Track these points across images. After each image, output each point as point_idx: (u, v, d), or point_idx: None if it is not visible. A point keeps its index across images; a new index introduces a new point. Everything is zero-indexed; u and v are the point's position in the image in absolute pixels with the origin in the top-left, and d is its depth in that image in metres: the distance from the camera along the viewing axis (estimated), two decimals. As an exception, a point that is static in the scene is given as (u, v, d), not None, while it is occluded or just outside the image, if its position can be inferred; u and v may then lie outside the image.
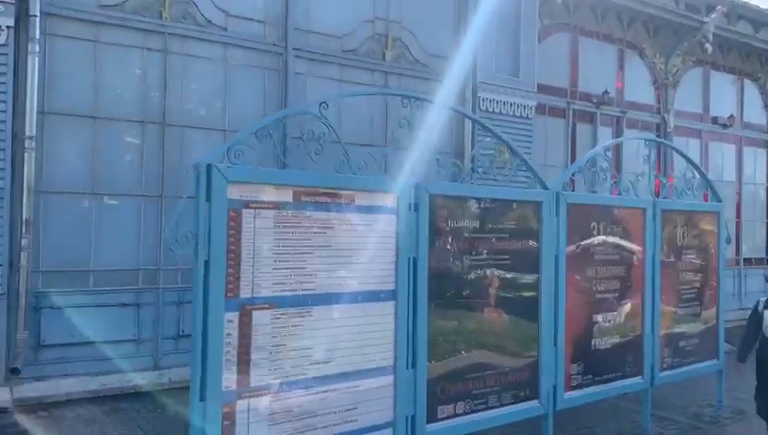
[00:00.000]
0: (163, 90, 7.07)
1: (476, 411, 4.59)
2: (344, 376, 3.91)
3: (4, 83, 6.11)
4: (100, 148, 6.65)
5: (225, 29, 7.42)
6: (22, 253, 6.21)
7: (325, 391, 3.83)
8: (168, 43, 7.09)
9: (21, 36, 6.23)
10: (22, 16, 6.22)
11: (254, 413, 3.54)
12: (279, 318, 3.63)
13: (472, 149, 8.64)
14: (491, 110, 9.36)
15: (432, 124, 4.35)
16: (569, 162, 10.61)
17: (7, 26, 6.10)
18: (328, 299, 3.84)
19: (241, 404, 3.50)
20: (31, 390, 6.09)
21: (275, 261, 3.62)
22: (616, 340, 5.67)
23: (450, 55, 9.00)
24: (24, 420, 5.71)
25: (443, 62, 8.95)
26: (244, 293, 3.51)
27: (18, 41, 6.22)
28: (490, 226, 4.73)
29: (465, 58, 9.04)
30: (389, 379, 4.13)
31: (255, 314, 3.54)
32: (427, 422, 4.30)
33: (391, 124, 7.94)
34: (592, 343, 5.50)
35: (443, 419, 4.40)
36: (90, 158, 6.63)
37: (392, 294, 4.14)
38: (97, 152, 6.65)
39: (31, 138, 6.24)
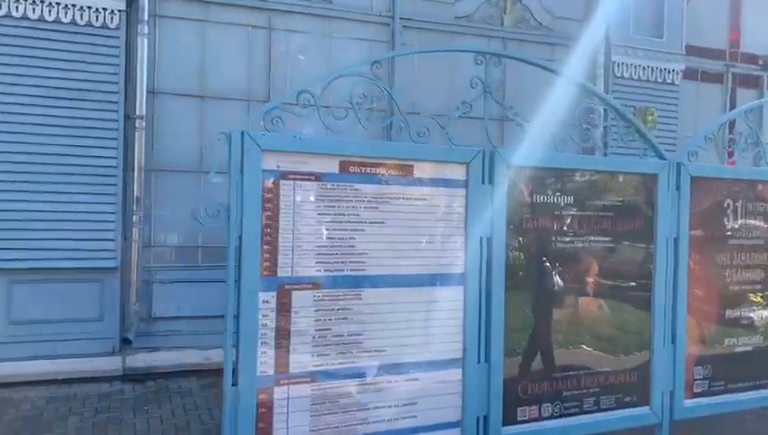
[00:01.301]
0: (267, 67, 7.02)
1: (567, 416, 3.98)
2: (400, 367, 3.51)
3: (117, 65, 6.35)
4: (207, 126, 6.74)
5: (330, 1, 7.21)
6: (133, 228, 6.47)
7: (378, 383, 3.46)
8: (273, 20, 7.02)
9: (131, 18, 6.43)
10: (132, -1, 6.43)
11: (295, 402, 3.26)
12: (322, 300, 3.31)
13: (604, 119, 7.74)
14: (627, 75, 8.38)
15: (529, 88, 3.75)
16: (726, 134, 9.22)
17: (119, 10, 6.32)
18: (380, 281, 3.45)
19: (279, 391, 3.23)
20: (141, 360, 6.35)
21: (318, 238, 3.29)
22: (758, 341, 4.71)
23: (579, 16, 8.14)
24: (132, 389, 5.95)
25: (570, 24, 8.12)
26: (283, 271, 3.22)
27: (129, 23, 6.43)
28: (588, 202, 4.06)
29: (597, 18, 8.12)
30: (457, 373, 3.66)
31: (295, 294, 3.25)
32: (504, 424, 3.78)
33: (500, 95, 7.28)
34: (725, 343, 4.60)
35: (524, 421, 3.85)
36: (197, 136, 6.75)
37: (461, 279, 3.65)
38: (204, 131, 6.75)
39: (141, 117, 6.45)
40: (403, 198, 3.49)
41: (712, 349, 4.52)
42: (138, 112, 6.45)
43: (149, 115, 6.56)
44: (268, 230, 3.17)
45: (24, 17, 6.04)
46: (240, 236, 3.10)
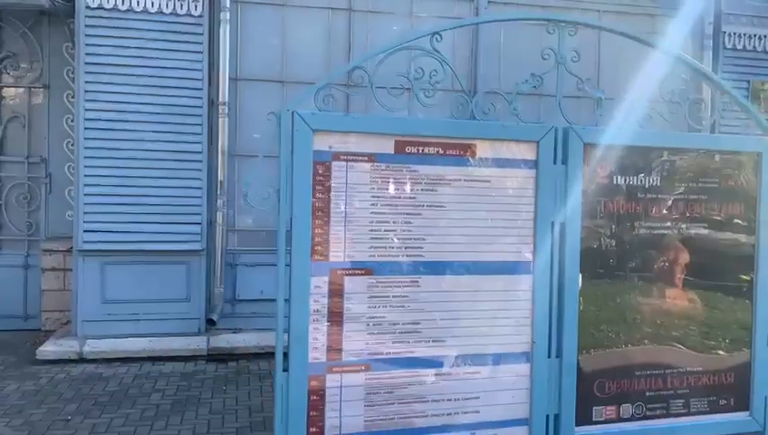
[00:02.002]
0: (347, 50, 6.94)
1: (651, 418, 3.63)
2: (462, 359, 3.30)
3: (200, 53, 6.49)
4: (288, 111, 6.74)
5: (412, -21, 7.01)
6: (218, 213, 6.62)
7: (437, 374, 3.28)
8: (353, 1, 6.92)
9: (214, 5, 6.53)
10: (214, -14, 6.53)
11: (348, 390, 3.15)
12: (377, 287, 3.16)
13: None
14: (740, 47, 7.61)
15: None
16: None
17: (202, -2, 6.44)
18: (440, 268, 3.26)
19: (331, 379, 3.13)
20: (224, 341, 6.50)
21: (372, 222, 3.14)
22: None
23: (684, -17, 7.46)
24: (214, 369, 6.11)
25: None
26: (335, 256, 3.10)
27: (212, 10, 6.53)
28: (678, 184, 3.66)
29: (705, -16, 7.42)
30: (524, 368, 3.41)
31: (348, 280, 3.12)
32: (577, 424, 3.49)
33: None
34: None
35: (600, 422, 3.54)
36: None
37: (529, 267, 3.39)
38: (285, 115, 6.76)
39: (224, 104, 6.56)
40: (464, 180, 3.27)
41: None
42: (221, 99, 6.56)
43: (232, 101, 6.66)
44: (319, 214, 3.06)
45: (115, 8, 6.28)
46: (290, 220, 3.00)
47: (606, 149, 3.46)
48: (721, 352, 3.78)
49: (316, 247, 3.06)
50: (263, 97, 6.78)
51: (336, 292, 3.11)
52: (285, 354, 3.07)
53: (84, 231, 6.31)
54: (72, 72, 6.83)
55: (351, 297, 3.13)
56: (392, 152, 3.16)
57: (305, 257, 3.03)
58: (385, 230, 3.17)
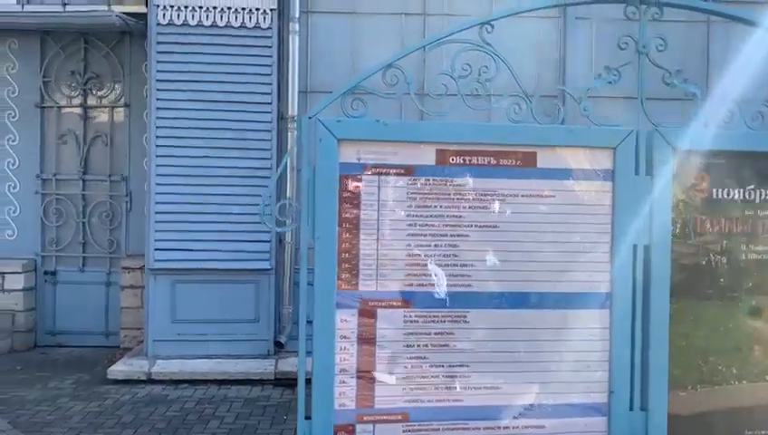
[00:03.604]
0: (422, 57, 6.50)
1: (770, 488, 2.91)
2: (520, 411, 2.76)
3: (270, 66, 6.29)
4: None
5: (492, -21, 6.49)
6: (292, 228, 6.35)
7: (489, 428, 2.75)
8: (428, 4, 6.50)
9: (283, 17, 6.33)
10: (283, -3, 6.33)
11: (382, 443, 2.68)
12: (416, 321, 2.69)
13: None
14: None
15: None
16: None
17: (271, 9, 6.25)
18: (493, 301, 2.74)
19: (362, 429, 2.68)
20: (292, 364, 6.18)
21: (410, 245, 2.68)
22: None
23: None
24: (279, 394, 5.82)
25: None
26: (366, 285, 2.66)
27: (281, 22, 6.33)
28: (798, 198, 2.93)
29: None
30: (600, 423, 2.81)
31: (381, 313, 2.67)
32: (670, 495, 2.84)
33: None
34: None
35: (699, 493, 2.87)
36: (349, 134, 6.46)
37: (605, 300, 2.80)
38: (357, 128, 6.43)
39: (293, 117, 6.32)
40: (522, 196, 2.74)
41: None
42: (290, 112, 6.33)
43: (302, 114, 6.39)
44: (347, 235, 2.64)
45: (185, 24, 6.20)
46: (313, 243, 2.59)
47: (702, 155, 2.81)
48: None
49: (343, 275, 2.64)
50: (333, 110, 6.46)
51: (367, 327, 2.67)
52: (310, 397, 2.67)
53: (155, 249, 6.24)
54: (149, 90, 6.86)
55: (385, 334, 2.68)
56: (433, 163, 2.70)
57: (330, 287, 2.62)
58: (425, 255, 2.70)
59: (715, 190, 2.86)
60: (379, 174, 2.66)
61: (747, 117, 2.81)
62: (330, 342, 2.61)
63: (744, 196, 2.88)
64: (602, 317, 2.79)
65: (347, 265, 2.64)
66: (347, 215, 2.64)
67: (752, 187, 2.89)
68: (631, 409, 2.80)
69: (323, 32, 6.49)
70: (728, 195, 2.87)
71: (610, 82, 2.75)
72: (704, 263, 2.90)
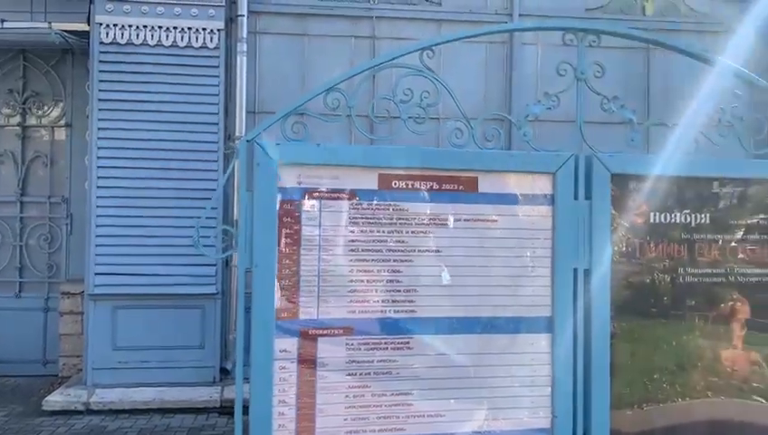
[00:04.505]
0: (371, 79, 6.51)
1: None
2: (465, 438, 2.72)
3: (217, 86, 6.20)
4: (309, 145, 6.37)
5: (440, 3, 6.58)
6: (234, 253, 6.21)
7: (434, 459, 2.70)
8: (377, 28, 6.54)
9: (231, 37, 6.26)
10: (230, 18, 6.26)
11: (324, 481, 2.60)
12: (358, 349, 2.64)
13: None
14: (812, 63, 6.77)
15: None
16: None
17: (218, 29, 6.18)
18: (436, 326, 2.71)
19: (303, 465, 2.59)
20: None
21: (352, 271, 2.63)
22: None
23: (743, -4, 6.78)
24: (225, 423, 5.66)
25: (732, 7, 6.76)
26: (307, 312, 2.60)
27: (228, 42, 6.26)
28: (733, 222, 3.01)
29: (767, -3, 6.70)
30: (543, 447, 2.80)
31: (323, 341, 2.61)
32: None
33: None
34: None
35: None
36: (298, 156, 6.40)
37: (547, 324, 2.80)
38: (305, 150, 6.38)
39: (240, 138, 6.21)
40: (464, 220, 2.73)
41: None
42: (237, 132, 6.23)
43: (250, 136, 6.31)
44: (287, 262, 2.57)
45: (129, 43, 6.07)
46: (250, 270, 2.52)
47: (639, 180, 2.86)
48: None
49: (283, 302, 2.57)
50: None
51: (307, 355, 2.60)
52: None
53: (96, 274, 6.03)
54: (92, 110, 6.67)
55: (327, 362, 2.61)
56: (376, 188, 2.66)
57: (268, 315, 2.54)
58: (367, 281, 2.65)
59: (653, 214, 2.91)
60: (321, 199, 2.61)
61: (683, 142, 2.87)
62: (268, 371, 2.53)
63: (681, 219, 2.94)
64: (545, 341, 2.79)
65: (287, 293, 2.58)
66: (287, 241, 2.57)
67: (688, 211, 2.95)
68: (574, 433, 2.79)
69: (273, 53, 6.45)
70: (666, 219, 2.92)
71: (549, 108, 2.78)
72: (648, 282, 2.93)
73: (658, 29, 6.68)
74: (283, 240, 2.57)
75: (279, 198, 2.56)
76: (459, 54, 6.33)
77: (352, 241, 2.63)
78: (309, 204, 2.60)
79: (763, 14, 6.52)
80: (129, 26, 6.05)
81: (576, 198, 2.80)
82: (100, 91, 6.04)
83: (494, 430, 2.73)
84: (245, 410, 2.61)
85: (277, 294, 2.56)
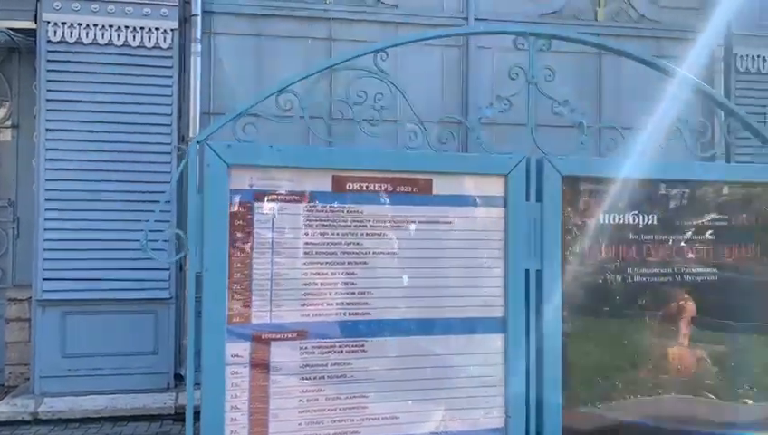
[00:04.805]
0: (328, 81, 6.49)
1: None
2: (420, 440, 2.72)
3: (170, 86, 6.07)
4: (265, 147, 6.30)
5: (396, 6, 6.59)
6: (187, 257, 6.11)
7: (389, 462, 2.69)
8: (334, 30, 6.51)
9: (185, 37, 6.15)
10: (184, 18, 6.15)
11: (278, 488, 2.57)
12: (312, 353, 2.61)
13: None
14: (754, 69, 7.04)
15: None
16: None
17: (171, 29, 6.05)
18: (390, 328, 2.71)
19: (256, 472, 2.56)
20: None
21: (306, 274, 2.61)
22: None
23: (691, 4, 6.98)
24: (179, 430, 5.54)
25: (680, 14, 6.96)
26: (259, 317, 2.57)
27: (182, 43, 6.15)
28: (680, 223, 3.10)
29: (714, 5, 6.92)
30: (498, 447, 2.82)
31: (275, 346, 2.58)
32: None
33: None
34: None
35: None
36: (254, 158, 6.32)
37: (500, 324, 2.82)
38: (262, 152, 6.31)
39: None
40: (419, 222, 2.73)
41: None
42: (192, 134, 6.11)
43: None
44: (239, 265, 2.54)
45: (78, 42, 5.90)
46: (201, 274, 2.48)
47: (590, 182, 2.92)
48: (739, 422, 3.15)
49: (235, 306, 2.53)
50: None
51: (260, 360, 2.56)
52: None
53: (44, 279, 5.83)
54: (41, 111, 6.47)
55: (280, 366, 2.58)
56: (330, 190, 2.65)
57: (220, 320, 2.50)
58: (322, 284, 2.63)
59: (603, 216, 2.96)
60: (274, 201, 2.58)
61: (629, 145, 2.93)
62: (219, 377, 2.49)
63: (629, 220, 3.00)
64: (499, 342, 2.81)
65: (239, 297, 2.54)
66: (239, 244, 2.54)
67: (635, 212, 3.02)
68: (527, 432, 2.82)
69: (228, 53, 6.36)
70: (615, 220, 2.98)
71: (501, 111, 2.80)
72: (600, 282, 2.99)
73: (610, 34, 6.83)
74: (234, 243, 2.53)
75: (230, 200, 2.52)
76: (416, 58, 6.35)
77: (306, 244, 2.61)
78: (261, 206, 2.57)
79: (711, 21, 6.74)
80: (79, 25, 5.89)
81: (528, 199, 2.84)
82: (47, 91, 5.85)
83: (450, 431, 2.74)
84: (198, 416, 2.56)
85: (229, 298, 2.51)
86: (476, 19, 6.59)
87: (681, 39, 6.80)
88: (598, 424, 2.98)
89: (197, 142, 2.46)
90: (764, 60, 7.06)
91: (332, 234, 2.63)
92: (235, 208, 2.53)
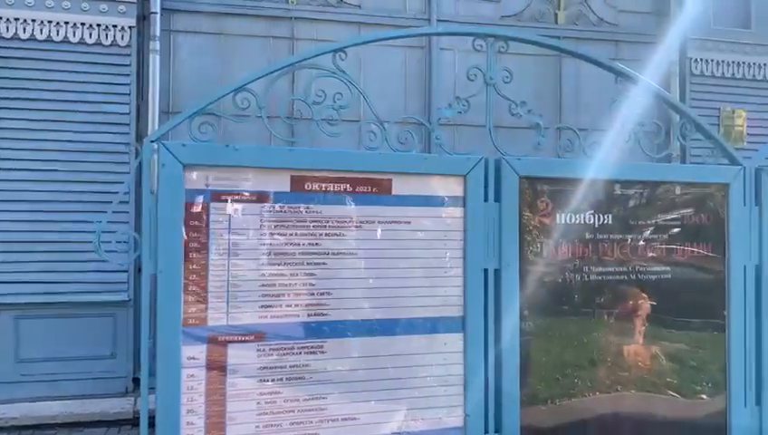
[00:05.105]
0: (290, 81, 6.44)
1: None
2: (380, 441, 2.71)
3: (128, 84, 5.94)
4: (226, 147, 6.22)
5: (359, 6, 6.58)
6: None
7: (348, 464, 2.68)
8: (296, 29, 6.46)
9: (143, 35, 6.04)
10: (143, 15, 6.04)
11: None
12: (270, 355, 2.59)
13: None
14: (709, 73, 7.22)
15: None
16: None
17: (129, 26, 5.92)
18: (349, 329, 2.70)
19: (213, 479, 2.52)
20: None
21: (264, 275, 2.59)
22: None
23: (647, 8, 7.13)
24: (138, 434, 5.42)
25: (637, 18, 7.11)
26: (215, 319, 2.53)
27: (141, 40, 6.04)
28: (634, 223, 3.15)
29: (669, 9, 7.10)
30: (457, 445, 2.83)
31: (232, 348, 2.54)
32: None
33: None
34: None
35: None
36: (215, 158, 6.24)
37: (459, 324, 2.83)
38: (223, 152, 6.23)
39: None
40: (378, 222, 2.73)
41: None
42: (150, 133, 6.00)
43: (163, 137, 6.10)
44: (195, 267, 2.50)
45: (32, 38, 5.74)
46: (154, 276, 2.43)
47: (546, 183, 2.95)
48: (692, 418, 3.23)
49: (190, 308, 2.49)
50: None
51: (217, 363, 2.53)
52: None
53: (-4, 283, 5.66)
54: (-9, 109, 6.26)
55: (237, 369, 2.55)
56: (288, 190, 2.62)
57: (175, 322, 2.46)
58: (280, 285, 2.61)
59: (559, 215, 3.00)
60: (231, 201, 2.54)
61: (586, 146, 2.98)
62: (175, 380, 2.45)
63: (586, 220, 3.04)
64: (457, 341, 2.83)
65: (194, 299, 2.50)
66: (194, 245, 2.50)
67: (592, 212, 3.06)
68: (486, 432, 2.83)
69: (188, 52, 6.26)
70: (572, 219, 3.02)
71: (461, 112, 2.82)
72: (559, 281, 3.02)
73: (570, 37, 6.94)
74: (190, 244, 2.48)
75: (185, 200, 2.48)
76: (380, 58, 6.35)
77: (264, 245, 2.58)
78: (218, 207, 2.53)
79: (667, 26, 6.91)
80: (33, 21, 5.72)
81: (486, 199, 2.86)
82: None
83: (411, 431, 2.75)
84: (153, 420, 2.51)
85: (184, 299, 2.47)
86: (438, 20, 6.62)
87: (639, 42, 6.97)
88: (557, 421, 3.02)
89: (152, 141, 2.41)
90: (717, 63, 7.24)
91: (291, 234, 2.61)
92: (191, 209, 2.49)
